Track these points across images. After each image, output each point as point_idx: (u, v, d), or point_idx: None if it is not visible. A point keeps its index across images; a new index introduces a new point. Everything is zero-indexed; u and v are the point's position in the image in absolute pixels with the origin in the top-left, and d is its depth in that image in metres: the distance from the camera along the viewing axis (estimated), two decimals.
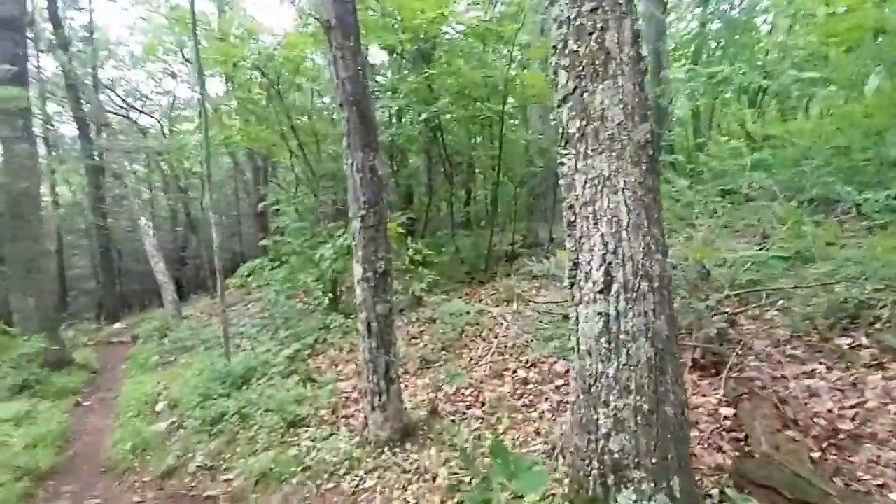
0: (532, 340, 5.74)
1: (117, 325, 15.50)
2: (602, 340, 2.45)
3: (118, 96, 21.30)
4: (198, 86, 6.29)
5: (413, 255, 7.86)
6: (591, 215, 2.44)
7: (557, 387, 4.69)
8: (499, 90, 8.55)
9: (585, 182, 2.44)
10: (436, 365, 6.02)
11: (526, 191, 12.15)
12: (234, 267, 24.59)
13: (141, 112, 22.44)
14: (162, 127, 22.60)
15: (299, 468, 4.12)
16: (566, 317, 6.69)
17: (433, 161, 11.72)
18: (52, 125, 18.91)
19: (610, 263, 2.40)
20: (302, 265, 8.72)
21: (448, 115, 9.81)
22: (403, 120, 10.86)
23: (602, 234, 2.41)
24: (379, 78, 11.54)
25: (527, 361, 5.41)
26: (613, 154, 2.37)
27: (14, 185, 9.29)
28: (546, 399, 4.49)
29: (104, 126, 13.26)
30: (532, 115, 12.42)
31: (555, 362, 5.17)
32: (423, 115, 8.37)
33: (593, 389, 2.49)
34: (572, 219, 2.53)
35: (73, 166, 18.00)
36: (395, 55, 10.31)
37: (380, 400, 4.04)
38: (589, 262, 2.47)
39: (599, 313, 2.44)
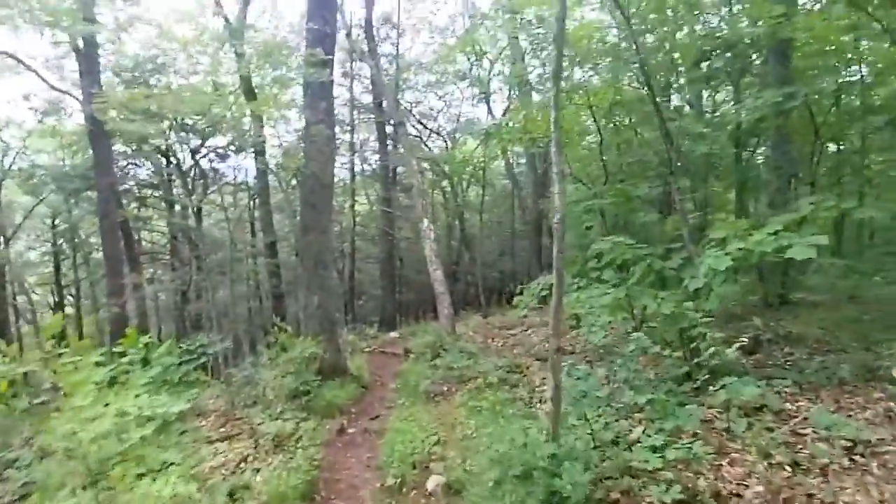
0: None
1: (392, 334, 14.60)
2: None
3: (414, 117, 21.85)
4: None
5: None
6: None
7: None
8: None
9: None
10: None
11: None
12: (502, 287, 23.25)
13: (431, 132, 22.72)
14: (447, 145, 22.44)
15: None
16: None
17: None
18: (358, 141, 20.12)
19: None
20: (643, 284, 5.31)
21: None
22: None
23: None
24: None
25: None
26: None
27: (309, 168, 8.25)
28: None
29: (399, 125, 12.28)
30: None
31: None
32: None
33: None
34: None
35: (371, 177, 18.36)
36: None
37: None
38: None
39: None
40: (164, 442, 4.06)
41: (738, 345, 3.81)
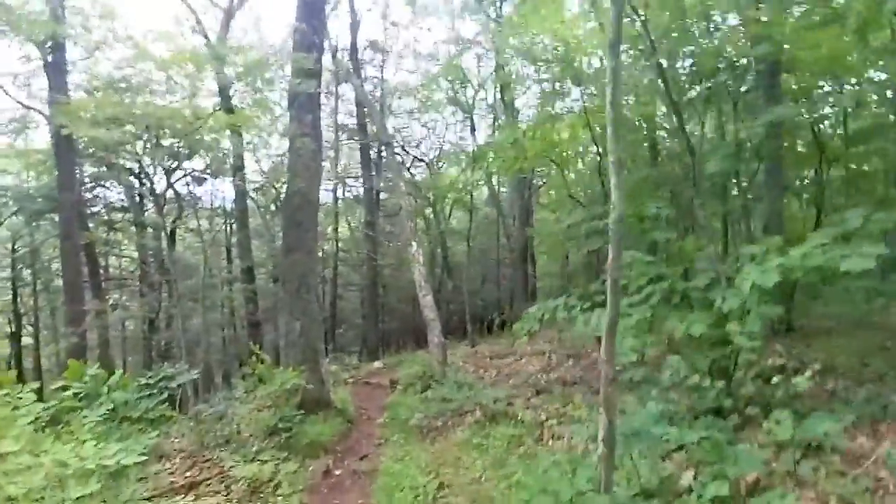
0: None
1: (376, 364, 13.80)
2: None
3: (397, 143, 21.44)
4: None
5: None
6: None
7: None
8: None
9: None
10: None
11: None
12: (484, 316, 22.55)
13: (414, 158, 22.32)
14: (430, 171, 22.02)
15: None
16: None
17: None
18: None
19: None
20: (666, 306, 4.81)
21: None
22: None
23: None
24: None
25: None
26: None
27: (293, 185, 7.65)
28: None
29: (387, 146, 11.82)
30: None
31: None
32: None
33: None
34: None
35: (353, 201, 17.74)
36: None
37: None
38: None
39: None
40: (115, 494, 3.30)
41: (808, 373, 3.30)
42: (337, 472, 5.97)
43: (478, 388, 7.85)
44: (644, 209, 6.04)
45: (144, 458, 3.34)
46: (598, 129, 8.56)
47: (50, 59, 11.73)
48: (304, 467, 5.99)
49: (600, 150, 8.82)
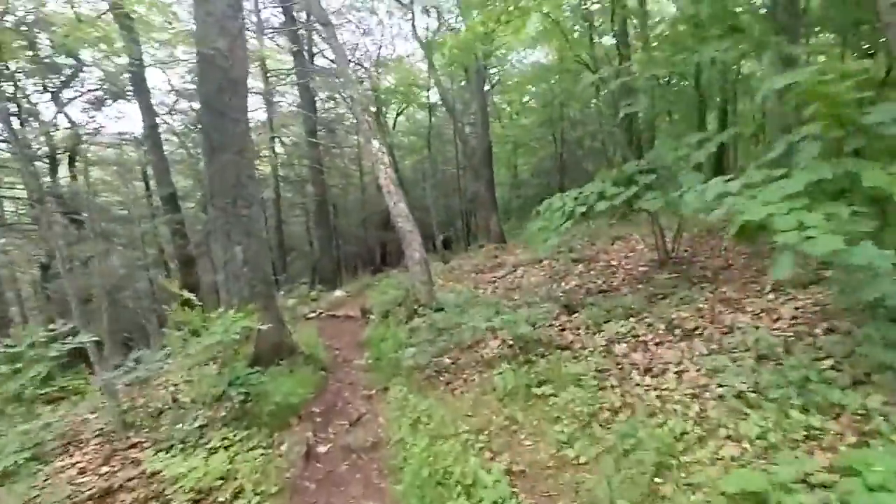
0: None
1: (338, 293, 11.68)
2: None
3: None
4: None
5: None
6: None
7: None
8: None
9: None
10: None
11: None
12: (443, 227, 20.52)
13: (351, 62, 19.00)
14: (370, 76, 18.93)
15: None
16: None
17: None
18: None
19: None
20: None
21: None
22: None
23: None
24: None
25: None
26: None
27: (205, 55, 5.00)
28: None
29: (326, 26, 8.95)
30: None
31: None
32: None
33: None
34: None
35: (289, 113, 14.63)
36: None
37: None
38: None
39: None
40: None
41: None
42: (322, 451, 4.01)
43: (483, 309, 5.97)
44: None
45: None
46: None
47: None
48: (273, 448, 4.01)
49: None
